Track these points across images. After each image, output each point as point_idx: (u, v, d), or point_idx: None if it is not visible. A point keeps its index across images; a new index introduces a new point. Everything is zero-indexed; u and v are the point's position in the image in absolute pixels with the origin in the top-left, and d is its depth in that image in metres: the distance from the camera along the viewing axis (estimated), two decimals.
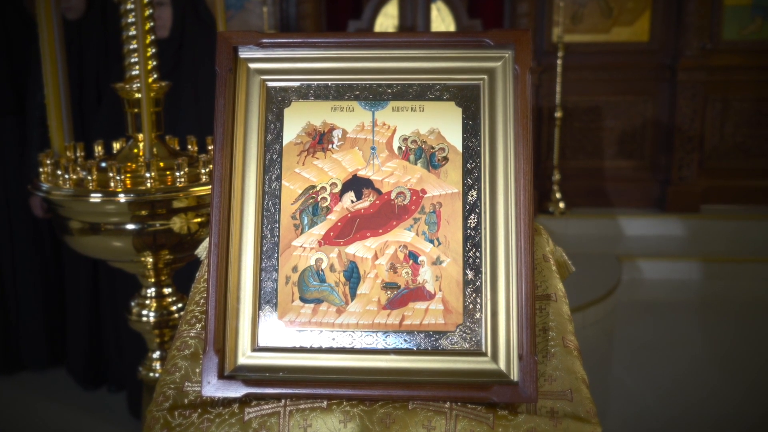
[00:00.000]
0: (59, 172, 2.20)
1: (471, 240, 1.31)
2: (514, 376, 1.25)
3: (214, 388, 1.26)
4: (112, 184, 2.11)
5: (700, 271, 6.22)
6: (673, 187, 7.02)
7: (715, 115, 7.08)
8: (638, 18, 7.02)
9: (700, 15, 6.81)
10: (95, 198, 2.12)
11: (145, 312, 2.37)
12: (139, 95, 2.17)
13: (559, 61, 6.77)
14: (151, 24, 2.18)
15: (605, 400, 4.15)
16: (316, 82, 1.37)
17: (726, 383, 4.38)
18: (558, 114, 6.86)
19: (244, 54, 1.37)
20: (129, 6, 2.18)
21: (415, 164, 1.35)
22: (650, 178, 7.21)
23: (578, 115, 7.16)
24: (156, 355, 2.43)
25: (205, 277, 1.49)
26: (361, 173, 1.35)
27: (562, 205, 6.95)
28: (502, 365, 1.26)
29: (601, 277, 5.70)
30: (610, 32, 7.07)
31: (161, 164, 2.19)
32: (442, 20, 7.04)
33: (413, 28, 6.95)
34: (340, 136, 1.36)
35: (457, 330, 1.29)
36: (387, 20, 7.09)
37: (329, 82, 1.37)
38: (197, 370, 1.33)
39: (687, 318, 5.46)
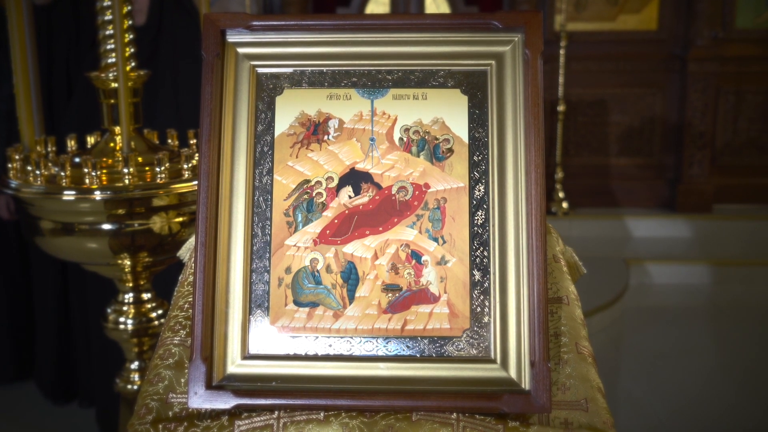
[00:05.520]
0: (29, 168, 2.18)
1: (478, 238, 1.31)
2: (526, 384, 1.24)
3: (201, 400, 1.24)
4: (86, 181, 2.10)
5: (713, 275, 6.24)
6: (683, 186, 7.04)
7: (728, 109, 7.11)
8: (646, 5, 7.05)
9: (712, 2, 6.84)
10: (68, 195, 2.11)
11: (122, 319, 2.36)
12: (116, 85, 2.16)
13: (561, 51, 6.79)
14: (129, 8, 2.17)
15: (613, 414, 4.13)
16: (310, 68, 1.36)
17: (744, 396, 4.38)
18: (561, 108, 6.87)
19: (232, 38, 1.35)
20: None
21: (418, 156, 1.34)
22: (659, 177, 7.23)
23: (582, 109, 7.17)
24: (134, 365, 2.41)
25: (190, 279, 1.48)
26: (360, 166, 1.34)
27: (565, 205, 6.96)
28: (512, 373, 1.26)
29: (608, 282, 5.71)
30: (616, 20, 7.08)
31: (140, 159, 2.18)
32: (437, 7, 7.04)
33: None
34: (336, 127, 1.35)
35: (464, 335, 1.28)
36: (378, 7, 7.10)
37: (324, 68, 1.36)
38: (182, 380, 1.32)
39: (699, 325, 5.48)
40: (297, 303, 1.30)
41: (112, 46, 2.19)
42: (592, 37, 7.06)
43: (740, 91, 7.06)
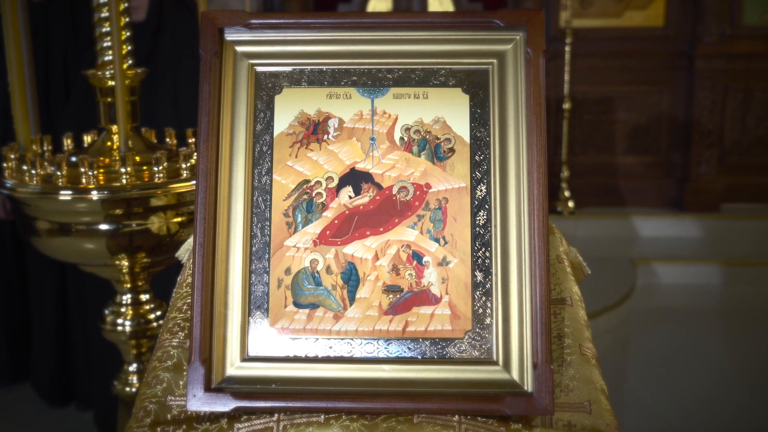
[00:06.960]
0: (25, 168, 2.18)
1: (480, 239, 1.31)
2: (528, 386, 1.25)
3: (200, 402, 1.25)
4: (83, 180, 2.10)
5: (722, 276, 6.23)
6: (690, 185, 7.03)
7: (736, 107, 7.10)
8: (652, 1, 7.04)
9: None
10: (65, 195, 2.11)
11: (120, 321, 2.36)
12: (113, 83, 2.16)
13: (567, 48, 6.78)
14: (126, 5, 2.17)
15: (620, 417, 4.11)
16: (309, 67, 1.37)
17: (754, 398, 4.37)
18: (566, 105, 6.87)
19: (230, 36, 1.36)
20: None
21: (419, 156, 1.34)
22: (666, 175, 7.22)
23: (588, 107, 7.17)
24: (132, 367, 2.41)
25: (188, 281, 1.48)
26: (360, 166, 1.35)
27: (571, 204, 6.96)
28: (515, 375, 1.26)
29: (614, 282, 5.70)
30: (622, 17, 7.08)
31: (137, 158, 2.18)
32: (440, 4, 7.04)
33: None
34: (336, 126, 1.36)
35: (466, 337, 1.29)
36: (380, 4, 7.10)
37: (324, 67, 1.37)
38: (181, 383, 1.32)
39: (708, 326, 5.47)
40: (297, 304, 1.30)
41: (109, 43, 2.19)
42: (597, 34, 7.05)
43: (748, 89, 7.05)
